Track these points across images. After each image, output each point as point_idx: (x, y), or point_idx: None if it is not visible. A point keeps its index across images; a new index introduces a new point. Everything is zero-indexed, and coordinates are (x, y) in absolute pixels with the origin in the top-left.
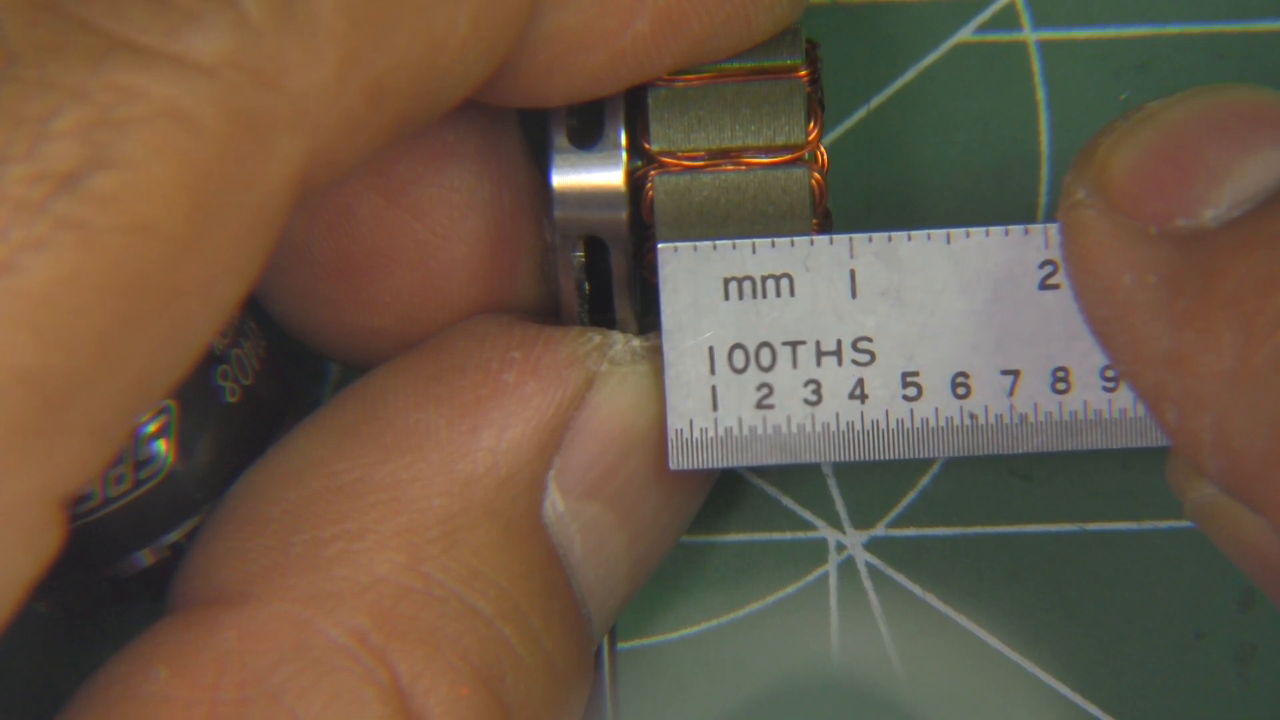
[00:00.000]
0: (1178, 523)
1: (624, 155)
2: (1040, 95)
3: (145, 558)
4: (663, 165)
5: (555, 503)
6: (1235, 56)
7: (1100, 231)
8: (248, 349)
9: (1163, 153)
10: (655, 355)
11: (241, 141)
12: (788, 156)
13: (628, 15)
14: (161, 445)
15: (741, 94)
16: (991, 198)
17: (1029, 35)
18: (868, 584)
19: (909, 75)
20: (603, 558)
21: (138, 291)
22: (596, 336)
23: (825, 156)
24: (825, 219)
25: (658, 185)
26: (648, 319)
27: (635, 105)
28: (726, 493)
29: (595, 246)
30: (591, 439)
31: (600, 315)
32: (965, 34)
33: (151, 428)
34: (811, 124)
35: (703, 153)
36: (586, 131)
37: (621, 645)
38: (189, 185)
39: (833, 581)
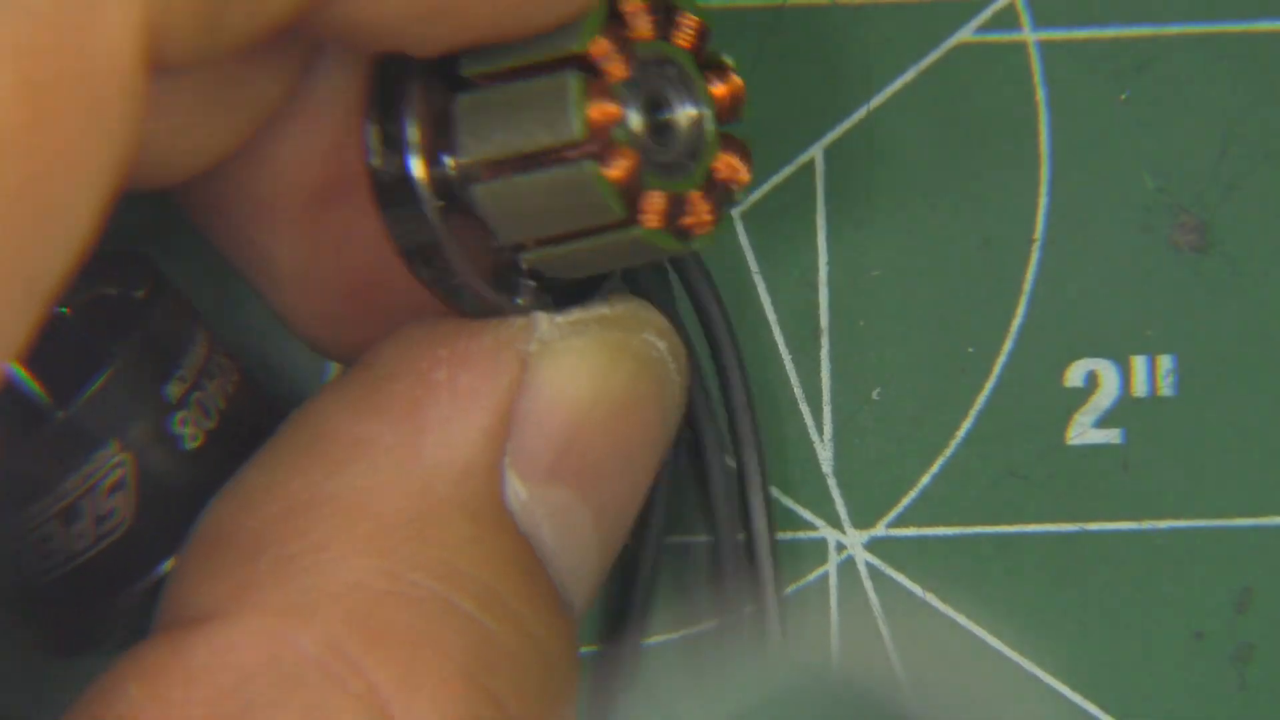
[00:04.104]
0: (1178, 523)
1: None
2: (1040, 95)
3: (121, 602)
4: (477, 175)
5: (517, 491)
6: (1235, 56)
7: None
8: (212, 389)
9: None
10: (584, 327)
11: (74, 14)
12: (574, 154)
13: None
14: (119, 499)
15: (524, 93)
16: (991, 198)
17: (1029, 35)
18: (868, 584)
19: (909, 75)
20: (573, 539)
21: None
22: (519, 320)
23: (631, 148)
24: (670, 209)
25: (478, 194)
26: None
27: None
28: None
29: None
30: (539, 421)
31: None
32: (965, 34)
33: (108, 482)
34: (594, 113)
35: (509, 157)
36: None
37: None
38: (25, 72)
39: (833, 581)
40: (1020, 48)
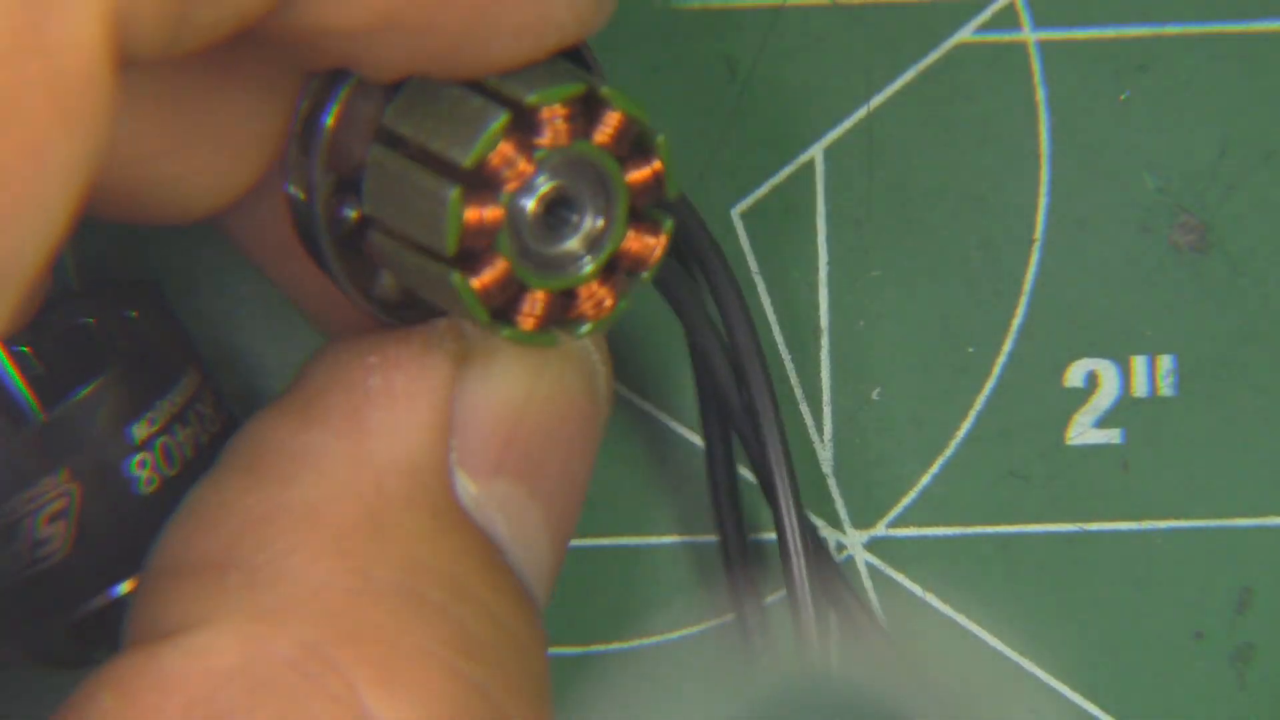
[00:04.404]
0: (1178, 522)
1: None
2: (1040, 95)
3: (54, 627)
4: (371, 225)
5: (466, 487)
6: (1235, 56)
7: None
8: (182, 437)
9: None
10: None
11: (34, 9)
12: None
13: None
14: (58, 528)
15: (416, 181)
16: (991, 198)
17: (1029, 35)
18: (868, 584)
19: (909, 75)
20: (526, 531)
21: None
22: (443, 321)
23: (509, 256)
24: (554, 305)
25: (371, 242)
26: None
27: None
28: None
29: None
30: (479, 419)
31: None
32: (965, 34)
33: (52, 507)
34: (472, 221)
35: (396, 232)
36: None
37: (620, 645)
38: None
39: None
40: (1020, 48)
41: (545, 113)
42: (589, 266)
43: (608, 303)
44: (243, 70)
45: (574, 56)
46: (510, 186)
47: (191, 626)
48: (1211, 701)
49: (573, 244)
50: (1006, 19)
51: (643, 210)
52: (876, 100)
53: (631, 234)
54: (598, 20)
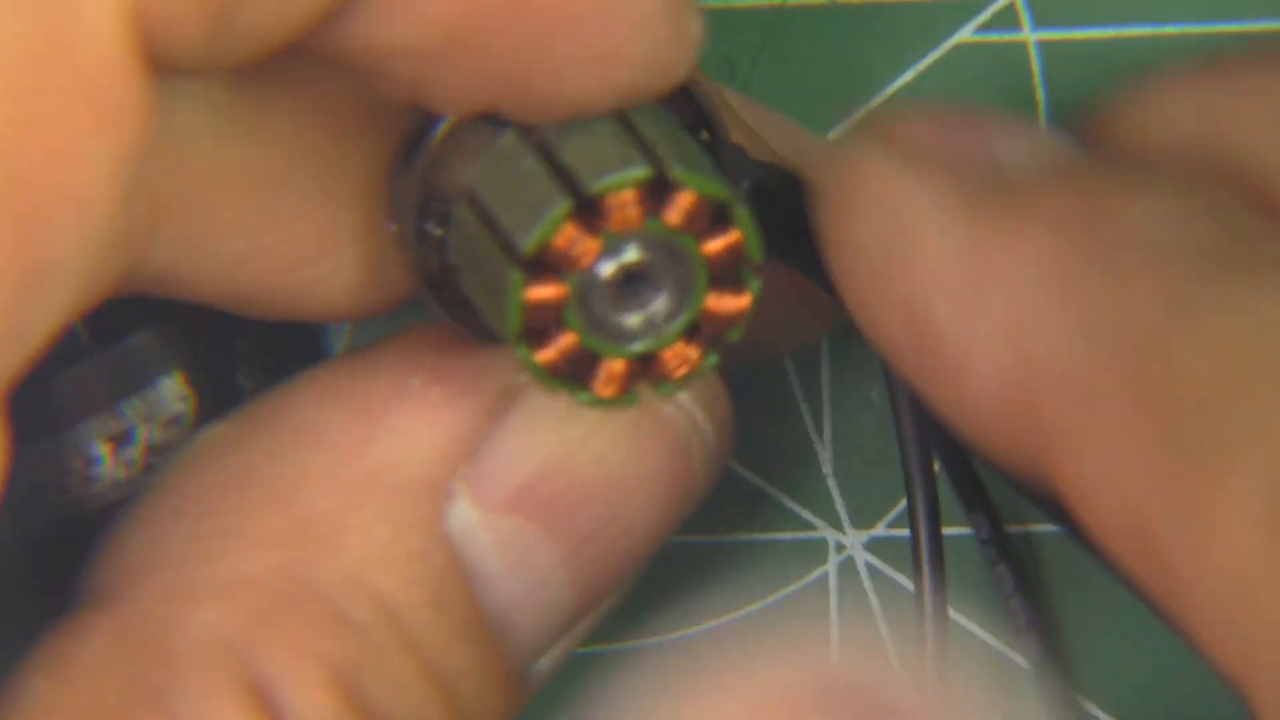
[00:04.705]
0: None
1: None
2: (1040, 95)
3: None
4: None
5: (465, 513)
6: None
7: (884, 172)
8: (273, 362)
9: None
10: None
11: (48, 10)
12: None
13: None
14: (173, 434)
15: (486, 256)
16: None
17: (1029, 35)
18: (868, 584)
19: (909, 75)
20: (529, 571)
21: None
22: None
23: (576, 330)
24: (633, 370)
25: (461, 285)
26: None
27: None
28: (726, 493)
29: None
30: (512, 451)
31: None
32: (965, 34)
33: (166, 414)
34: (533, 300)
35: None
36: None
37: (621, 645)
38: (1, 74)
39: (833, 581)
40: (1020, 48)
41: (611, 199)
42: (667, 334)
43: (690, 365)
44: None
45: (687, 95)
46: (575, 268)
47: (118, 597)
48: (1211, 701)
49: (650, 312)
50: (1006, 19)
51: (726, 274)
52: (876, 100)
53: (714, 297)
54: (676, 58)
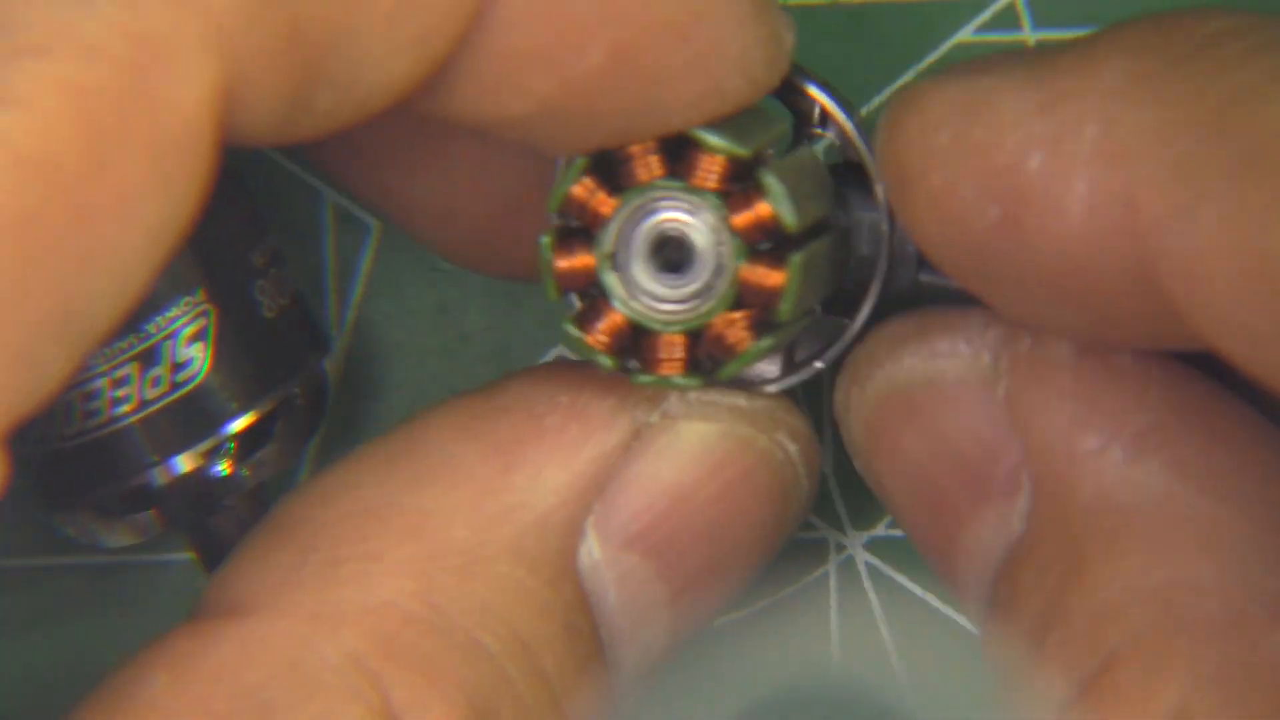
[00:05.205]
0: None
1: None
2: None
3: (159, 476)
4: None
5: (592, 549)
6: None
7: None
8: (286, 273)
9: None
10: (711, 409)
11: (146, 64)
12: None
13: (581, 44)
14: (198, 349)
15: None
16: None
17: (1029, 35)
18: (868, 584)
19: (909, 75)
20: (640, 608)
21: (37, 225)
22: (649, 388)
23: (618, 306)
24: (692, 345)
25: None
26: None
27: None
28: None
29: None
30: (636, 490)
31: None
32: (965, 34)
33: (189, 330)
34: (577, 198)
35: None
36: None
37: None
38: (87, 116)
39: (833, 581)
40: (1020, 48)
41: (632, 152)
42: (707, 307)
43: (741, 340)
44: None
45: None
46: (598, 221)
47: (252, 611)
48: None
49: (693, 285)
50: (1006, 19)
51: (765, 247)
52: (876, 100)
53: (749, 268)
54: (772, 79)
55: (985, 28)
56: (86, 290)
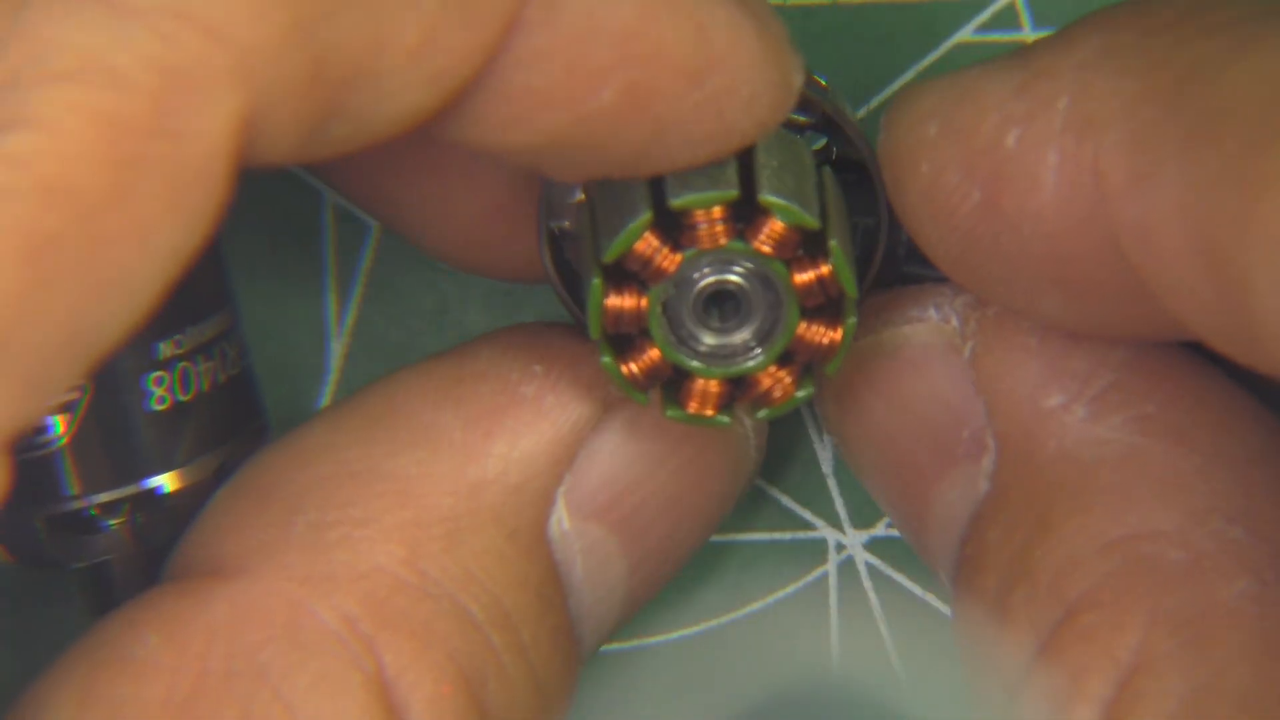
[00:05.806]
0: None
1: None
2: None
3: (31, 518)
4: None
5: (562, 519)
6: None
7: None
8: (204, 369)
9: None
10: None
11: (174, 96)
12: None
13: (596, 85)
14: (61, 420)
15: (585, 266)
16: None
17: (1029, 35)
18: (868, 584)
19: (909, 75)
20: (602, 581)
21: (54, 249)
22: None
23: (659, 345)
24: (726, 392)
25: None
26: None
27: None
28: None
29: None
30: (603, 463)
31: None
32: (965, 34)
33: (60, 399)
34: (638, 256)
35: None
36: None
37: (621, 645)
38: (110, 143)
39: (833, 581)
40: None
41: (698, 216)
42: (756, 360)
43: (784, 392)
44: None
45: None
46: (656, 278)
47: (244, 572)
48: None
49: (739, 336)
50: (1006, 19)
51: (821, 305)
52: (876, 100)
53: (806, 326)
54: (777, 119)
55: (985, 28)
56: (97, 313)
